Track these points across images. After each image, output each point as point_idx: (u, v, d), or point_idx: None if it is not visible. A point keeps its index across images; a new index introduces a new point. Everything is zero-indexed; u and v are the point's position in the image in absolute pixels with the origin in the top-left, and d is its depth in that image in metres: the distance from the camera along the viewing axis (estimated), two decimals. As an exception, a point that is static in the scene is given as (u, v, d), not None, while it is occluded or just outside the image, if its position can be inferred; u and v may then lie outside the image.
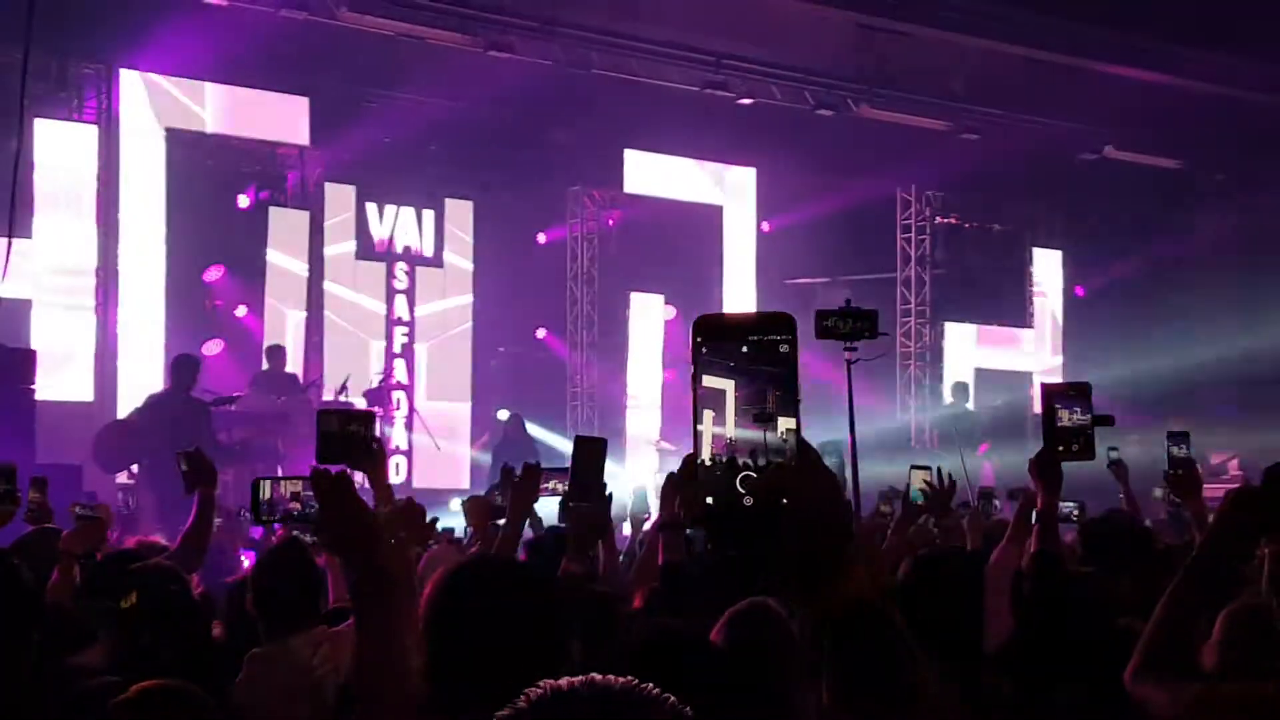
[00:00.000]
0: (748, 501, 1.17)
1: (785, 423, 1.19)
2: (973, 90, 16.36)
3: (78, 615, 4.22)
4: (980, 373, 18.93)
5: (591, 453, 4.16)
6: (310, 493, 2.51)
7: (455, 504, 9.13)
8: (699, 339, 1.20)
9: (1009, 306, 19.79)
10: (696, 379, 1.19)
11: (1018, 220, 19.54)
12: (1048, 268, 20.29)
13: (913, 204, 18.68)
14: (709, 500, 1.18)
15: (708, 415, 1.19)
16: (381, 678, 2.32)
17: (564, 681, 1.23)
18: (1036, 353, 19.94)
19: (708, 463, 1.18)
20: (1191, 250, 17.90)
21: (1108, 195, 17.01)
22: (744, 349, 1.19)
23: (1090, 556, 5.32)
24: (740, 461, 1.18)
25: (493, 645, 2.34)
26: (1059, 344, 20.11)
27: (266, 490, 2.54)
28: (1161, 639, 2.88)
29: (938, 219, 18.76)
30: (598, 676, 1.23)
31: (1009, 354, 19.65)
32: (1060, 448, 3.41)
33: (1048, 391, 3.47)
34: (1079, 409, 3.42)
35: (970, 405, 17.79)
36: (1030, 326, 20.03)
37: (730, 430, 1.18)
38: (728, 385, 1.18)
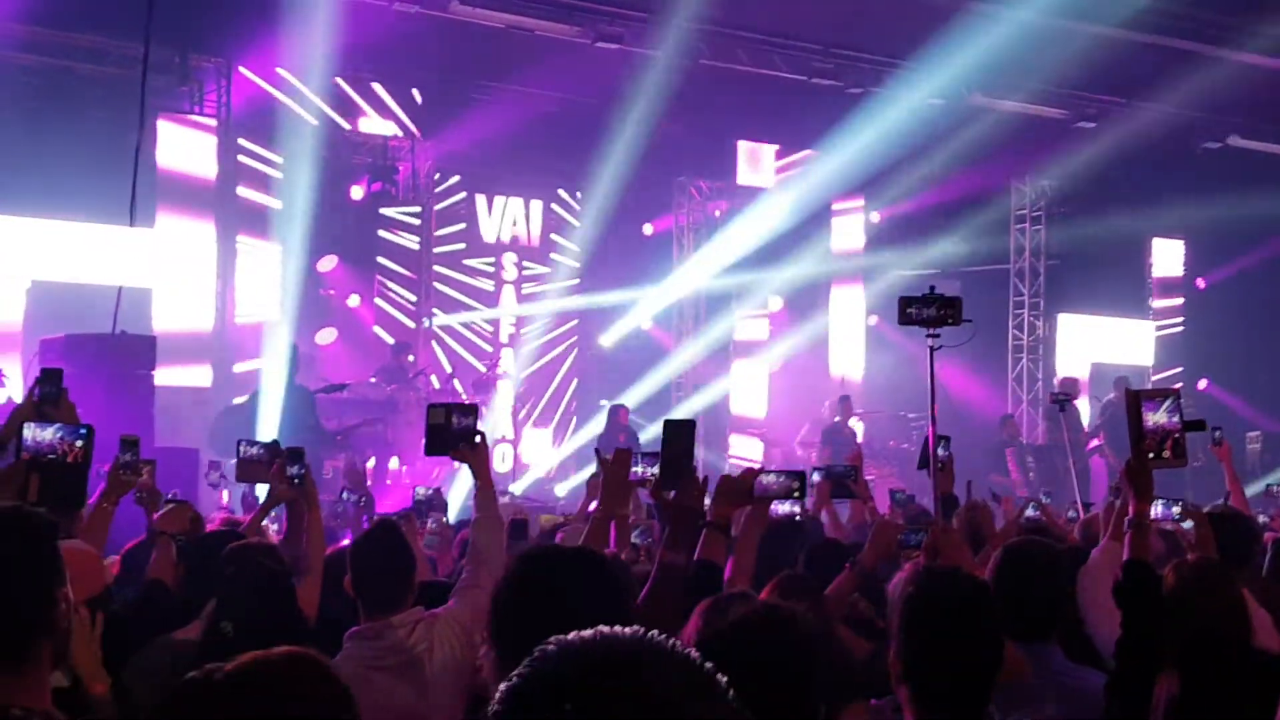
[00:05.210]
0: None
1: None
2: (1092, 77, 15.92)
3: (178, 591, 4.35)
4: (1096, 367, 18.52)
5: (681, 435, 3.98)
6: None
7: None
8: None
9: (1127, 298, 19.33)
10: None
11: (1136, 211, 19.02)
12: (1168, 259, 19.79)
13: (1027, 193, 18.33)
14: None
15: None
16: None
17: (573, 635, 1.22)
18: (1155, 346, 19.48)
19: None
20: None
21: (1231, 185, 16.45)
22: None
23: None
24: None
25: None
26: (1178, 337, 19.61)
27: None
28: None
29: (1053, 209, 18.38)
30: (607, 628, 1.22)
31: (1126, 347, 19.21)
32: (1150, 454, 3.31)
33: (1134, 396, 3.33)
34: (1168, 414, 3.31)
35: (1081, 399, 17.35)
36: (1149, 318, 19.56)
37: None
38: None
